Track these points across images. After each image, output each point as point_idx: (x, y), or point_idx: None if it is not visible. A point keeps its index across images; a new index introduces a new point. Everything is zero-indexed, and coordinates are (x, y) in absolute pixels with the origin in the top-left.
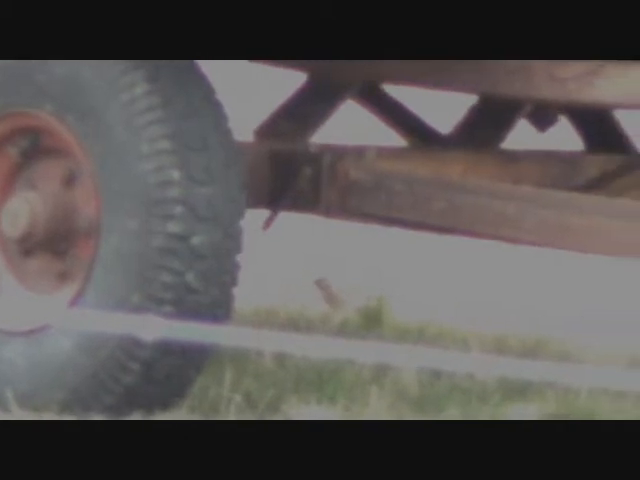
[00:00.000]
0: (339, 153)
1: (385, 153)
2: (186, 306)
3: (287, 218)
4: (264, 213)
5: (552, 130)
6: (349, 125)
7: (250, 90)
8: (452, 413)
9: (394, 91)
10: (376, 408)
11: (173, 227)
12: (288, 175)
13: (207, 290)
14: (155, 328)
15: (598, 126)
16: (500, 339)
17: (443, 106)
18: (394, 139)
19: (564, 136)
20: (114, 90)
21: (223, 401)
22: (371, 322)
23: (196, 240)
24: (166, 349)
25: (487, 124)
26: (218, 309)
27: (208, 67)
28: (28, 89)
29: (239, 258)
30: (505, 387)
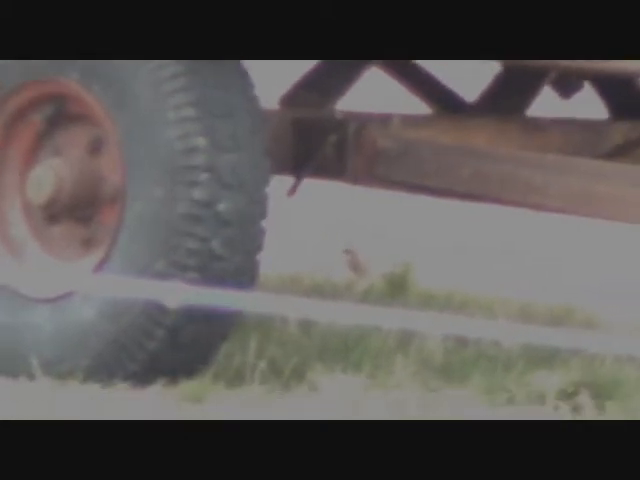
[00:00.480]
0: (364, 121)
1: (410, 121)
2: (211, 273)
3: (313, 185)
4: (289, 180)
5: (576, 97)
6: (374, 93)
7: None
8: (477, 381)
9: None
10: (401, 376)
11: (198, 194)
12: (313, 142)
13: (232, 257)
14: (180, 295)
15: (623, 93)
16: (526, 307)
17: (468, 73)
18: (419, 107)
19: (589, 103)
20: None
21: (248, 368)
22: (396, 289)
23: (221, 207)
24: (191, 316)
25: (512, 92)
26: (243, 276)
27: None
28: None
29: (264, 225)
30: (530, 355)
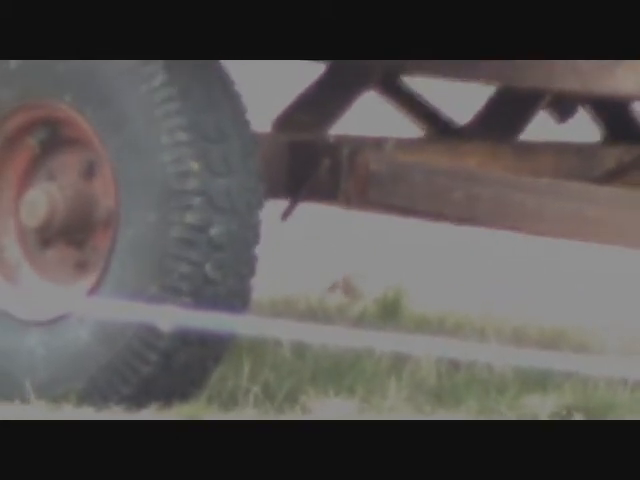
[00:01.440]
0: (358, 144)
1: (404, 144)
2: (204, 297)
3: (306, 209)
4: (283, 204)
5: (571, 121)
6: (368, 116)
7: (268, 80)
8: (470, 405)
9: (412, 82)
10: (394, 399)
11: (191, 218)
12: (307, 166)
13: (225, 281)
14: (173, 318)
15: (616, 117)
16: (518, 330)
17: (462, 97)
18: (412, 130)
19: (582, 127)
20: (133, 81)
21: (241, 392)
22: (389, 313)
23: (214, 231)
24: (184, 339)
25: (506, 115)
26: (236, 300)
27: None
28: (47, 80)
29: (257, 249)
30: (523, 378)
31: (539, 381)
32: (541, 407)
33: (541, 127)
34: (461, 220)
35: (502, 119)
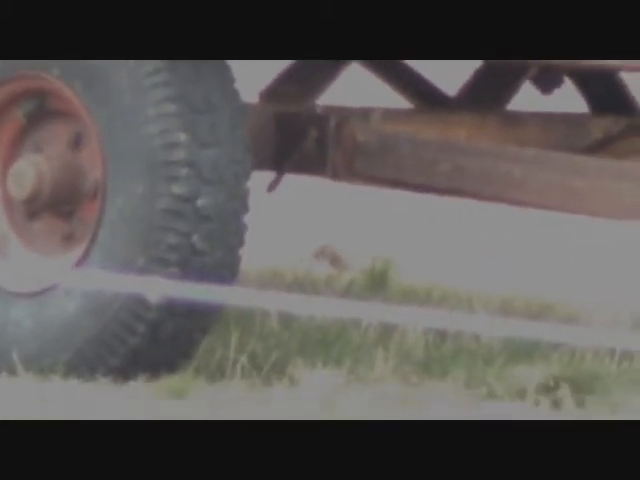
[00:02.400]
0: (345, 115)
1: (391, 115)
2: (192, 267)
3: (293, 179)
4: (270, 175)
5: (557, 92)
6: (355, 87)
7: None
8: (457, 375)
9: None
10: (381, 370)
11: (178, 189)
12: (294, 137)
13: (213, 252)
14: (161, 290)
15: (603, 88)
16: (506, 301)
17: (449, 68)
18: (400, 101)
19: (569, 98)
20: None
21: (229, 363)
22: (377, 284)
23: (201, 202)
24: (172, 311)
25: (492, 86)
26: (224, 270)
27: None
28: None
29: (245, 220)
30: (511, 349)
31: (526, 352)
32: (528, 378)
33: (528, 98)
34: (448, 191)
35: (489, 90)
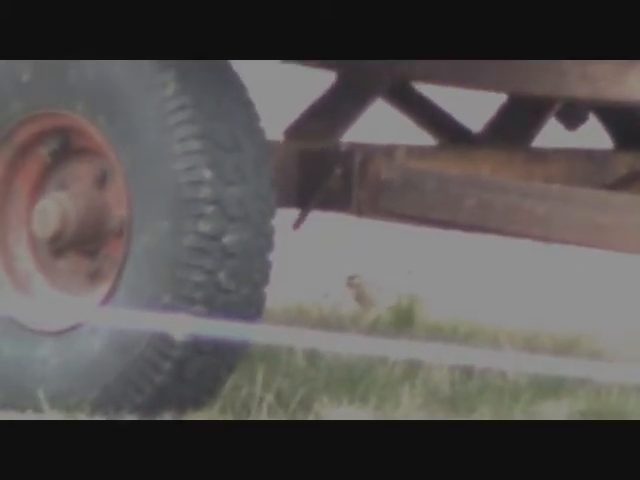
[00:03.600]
0: (369, 152)
1: (415, 152)
2: (217, 305)
3: (318, 217)
4: (295, 212)
5: (582, 128)
6: (379, 124)
7: (281, 89)
8: (484, 412)
9: (424, 89)
10: (408, 407)
11: (204, 226)
12: (318, 174)
13: (238, 289)
14: (186, 327)
15: (628, 124)
16: (531, 337)
17: (473, 104)
18: (424, 138)
19: (593, 134)
20: (145, 90)
21: (255, 400)
22: (403, 321)
23: (227, 239)
24: (198, 348)
25: (517, 122)
26: (249, 308)
27: (239, 66)
28: (59, 89)
29: (270, 257)
30: (537, 385)
31: (552, 388)
32: (555, 414)
33: (553, 134)
34: (473, 228)
35: (514, 126)
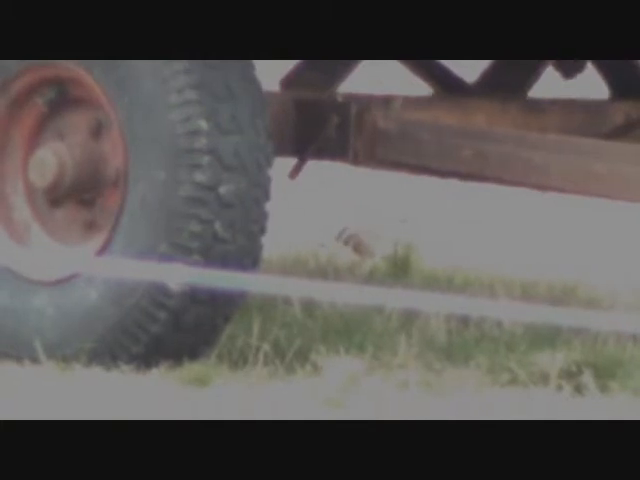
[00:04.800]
0: (366, 102)
1: (412, 102)
2: (214, 255)
3: (314, 166)
4: (291, 161)
5: (578, 77)
6: (375, 74)
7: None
8: (480, 361)
9: None
10: (404, 357)
11: (200, 176)
12: (315, 124)
13: (235, 239)
14: (183, 277)
15: (624, 73)
16: (528, 287)
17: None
18: (420, 88)
19: (590, 83)
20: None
21: (251, 350)
22: (399, 270)
23: (223, 189)
24: (194, 298)
25: (513, 72)
26: (246, 258)
27: None
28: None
29: (267, 207)
30: (533, 335)
31: (549, 337)
32: (551, 363)
33: (549, 84)
34: (469, 177)
35: (510, 76)
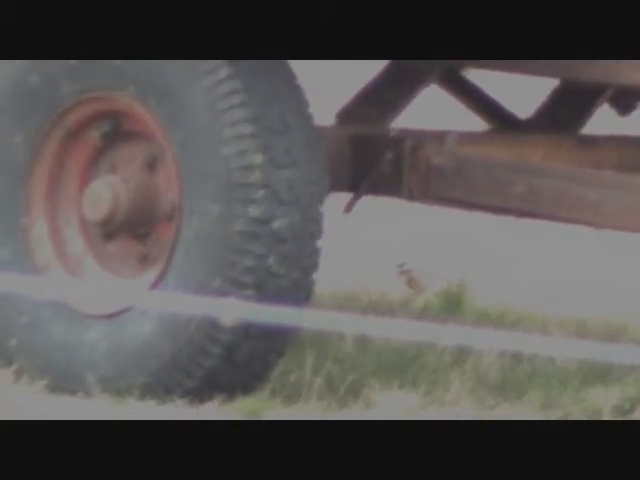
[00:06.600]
0: (420, 138)
1: (466, 138)
2: (267, 290)
3: (369, 201)
4: (346, 197)
5: (633, 115)
6: (430, 110)
7: (332, 74)
8: (533, 397)
9: (475, 75)
10: (457, 393)
11: (255, 211)
12: (369, 159)
13: (288, 274)
14: (236, 312)
15: None
16: (581, 323)
17: (524, 90)
18: (474, 124)
19: None
20: (196, 73)
21: (304, 385)
22: (452, 306)
23: (277, 224)
24: (247, 333)
25: (568, 108)
26: (299, 292)
27: None
28: (109, 72)
29: (320, 242)
30: (586, 371)
31: (602, 374)
32: (604, 400)
33: (604, 121)
34: (522, 213)
35: (564, 112)
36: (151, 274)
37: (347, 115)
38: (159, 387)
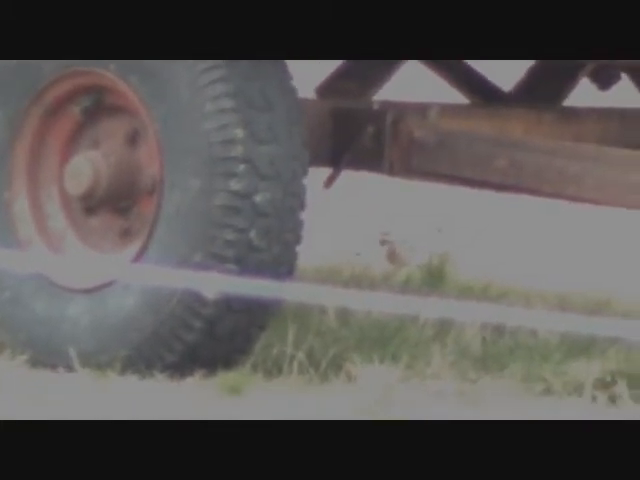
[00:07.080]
0: (402, 111)
1: (448, 111)
2: (249, 264)
3: (350, 175)
4: (326, 171)
5: (614, 88)
6: (411, 83)
7: None
8: (514, 371)
9: None
10: (438, 366)
11: (236, 185)
12: (350, 133)
13: (270, 248)
14: (218, 286)
15: None
16: (563, 296)
17: (505, 63)
18: (456, 97)
19: (625, 94)
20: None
21: (286, 359)
22: (434, 280)
23: (259, 198)
24: (229, 306)
25: (548, 82)
26: (281, 267)
27: None
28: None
29: (302, 216)
30: (568, 344)
31: (584, 347)
32: (585, 373)
33: (584, 94)
34: (504, 187)
35: (546, 86)
36: (132, 248)
37: (328, 89)
38: (140, 361)
